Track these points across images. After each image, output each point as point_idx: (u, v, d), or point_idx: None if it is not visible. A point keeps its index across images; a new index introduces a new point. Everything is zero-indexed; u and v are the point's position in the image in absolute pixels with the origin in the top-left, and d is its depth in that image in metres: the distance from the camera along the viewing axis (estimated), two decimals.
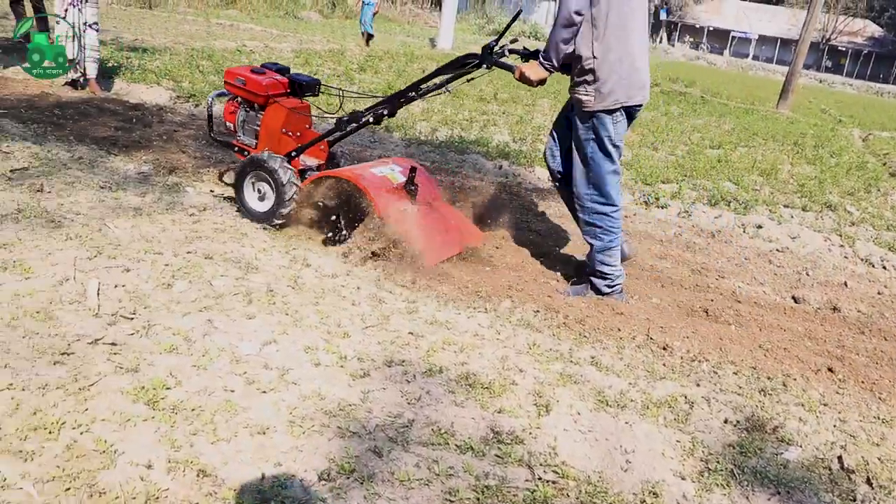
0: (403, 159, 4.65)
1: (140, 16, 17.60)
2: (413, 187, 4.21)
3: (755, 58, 53.91)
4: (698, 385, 3.34)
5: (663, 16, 56.95)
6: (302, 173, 4.47)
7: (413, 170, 4.23)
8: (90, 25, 7.57)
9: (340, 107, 4.57)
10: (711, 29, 57.50)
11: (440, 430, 2.69)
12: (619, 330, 3.77)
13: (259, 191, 4.41)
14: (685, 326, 3.94)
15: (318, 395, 2.76)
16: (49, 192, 4.47)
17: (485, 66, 3.91)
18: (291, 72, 4.70)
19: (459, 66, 4.02)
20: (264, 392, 2.72)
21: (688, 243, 5.70)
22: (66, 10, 7.52)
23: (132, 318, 3.10)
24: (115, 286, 3.35)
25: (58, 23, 7.49)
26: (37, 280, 3.29)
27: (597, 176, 3.83)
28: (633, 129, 10.12)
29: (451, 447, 2.61)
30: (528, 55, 3.97)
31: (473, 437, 2.68)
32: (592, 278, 4.08)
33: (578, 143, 3.84)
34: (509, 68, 3.88)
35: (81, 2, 7.49)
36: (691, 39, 56.59)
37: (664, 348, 3.65)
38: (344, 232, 4.22)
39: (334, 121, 4.39)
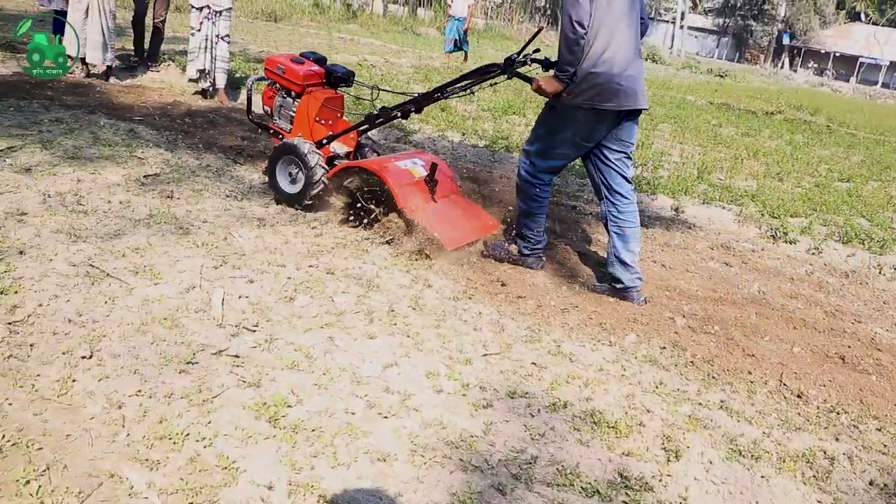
0: (426, 154, 4.82)
1: (266, 28, 18.18)
2: (433, 182, 4.38)
3: (885, 85, 51.23)
4: (838, 439, 3.08)
5: (786, 40, 54.98)
6: (331, 160, 4.71)
7: (434, 165, 4.41)
8: (222, 37, 7.84)
9: (373, 102, 4.88)
10: (838, 55, 55.10)
11: (565, 469, 2.55)
12: (750, 373, 3.54)
13: (290, 174, 4.65)
14: (821, 373, 3.66)
15: (440, 423, 2.67)
16: (178, 198, 4.59)
17: (506, 75, 4.04)
18: (328, 63, 4.98)
19: (482, 75, 4.18)
20: (385, 417, 2.65)
21: (820, 282, 5.35)
22: (201, 23, 7.80)
23: (255, 331, 3.11)
24: (239, 297, 3.37)
25: (192, 35, 7.77)
26: (165, 286, 3.35)
27: (541, 151, 4.02)
28: (756, 157, 9.72)
29: (576, 489, 2.47)
30: (548, 65, 4.04)
31: (600, 480, 2.53)
32: (517, 239, 4.27)
33: (542, 117, 4.04)
34: (528, 80, 3.99)
35: (216, 14, 7.76)
36: (815, 65, 54.36)
37: (798, 396, 3.39)
38: (365, 219, 4.45)
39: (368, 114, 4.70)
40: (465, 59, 17.09)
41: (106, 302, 3.11)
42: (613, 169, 4.03)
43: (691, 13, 50.74)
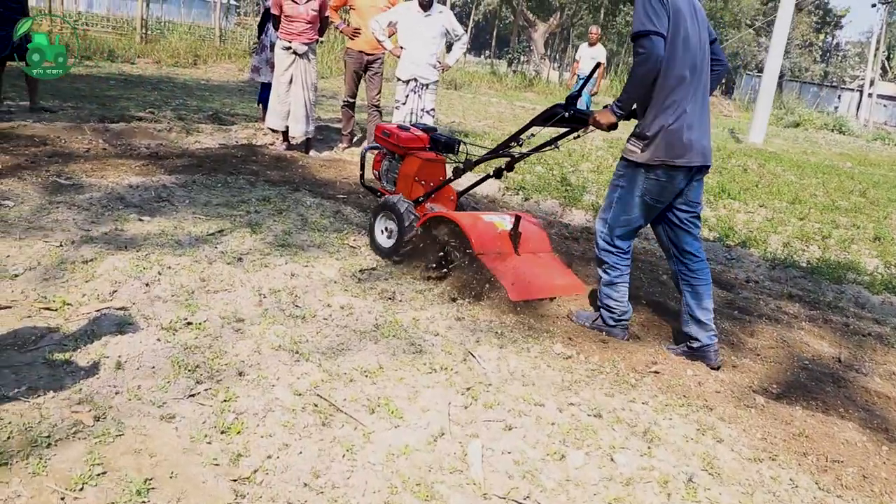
0: (520, 212, 4.68)
1: (449, 97, 18.10)
2: (517, 233, 4.37)
3: None
4: None
5: None
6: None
7: (518, 218, 4.42)
8: (428, 111, 7.44)
9: (465, 155, 4.76)
10: None
11: None
12: None
13: (386, 229, 4.78)
14: None
15: None
16: (400, 300, 4.01)
17: (566, 113, 3.96)
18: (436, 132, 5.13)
19: (549, 117, 4.05)
20: None
21: None
22: (406, 96, 7.44)
23: None
24: (501, 452, 2.65)
25: (397, 108, 7.42)
26: (409, 431, 2.69)
27: (614, 220, 3.90)
28: None
29: None
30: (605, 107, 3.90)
31: None
32: (601, 310, 4.06)
33: (613, 183, 3.92)
34: (586, 115, 3.96)
35: (423, 88, 7.39)
36: None
37: None
38: (446, 267, 4.41)
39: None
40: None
41: (344, 455, 2.47)
42: (683, 229, 3.89)
43: (881, 80, 47.31)
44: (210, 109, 10.18)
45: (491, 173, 4.59)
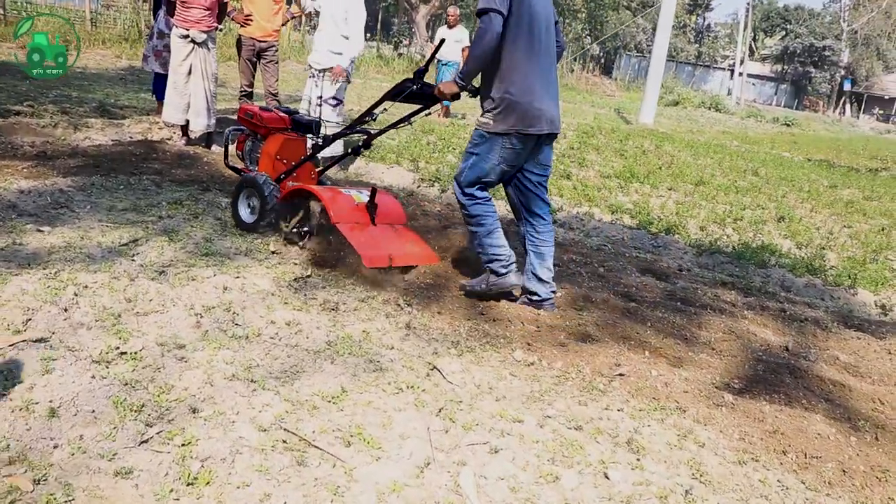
0: (376, 186, 4.95)
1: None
2: (374, 205, 4.55)
3: None
4: None
5: (847, 87, 53.60)
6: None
7: (374, 191, 4.60)
8: (326, 100, 7.02)
9: (318, 135, 5.22)
10: None
11: None
12: None
13: (249, 205, 4.93)
14: None
15: None
16: (344, 310, 3.75)
17: (414, 86, 4.22)
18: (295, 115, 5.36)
19: (399, 92, 4.29)
20: None
21: None
22: (308, 86, 7.09)
23: None
24: (494, 479, 2.47)
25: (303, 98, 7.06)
26: (392, 463, 2.47)
27: (469, 180, 4.04)
28: None
29: None
30: (474, 92, 4.19)
31: None
32: (488, 265, 4.09)
33: (468, 151, 4.07)
34: (431, 87, 4.24)
35: (319, 75, 7.06)
36: (880, 111, 52.79)
37: None
38: (305, 236, 4.66)
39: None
40: (446, 113, 13.49)
41: (332, 500, 2.23)
42: (533, 192, 4.14)
43: (749, 60, 49.67)
44: (94, 101, 9.46)
45: (349, 151, 4.95)
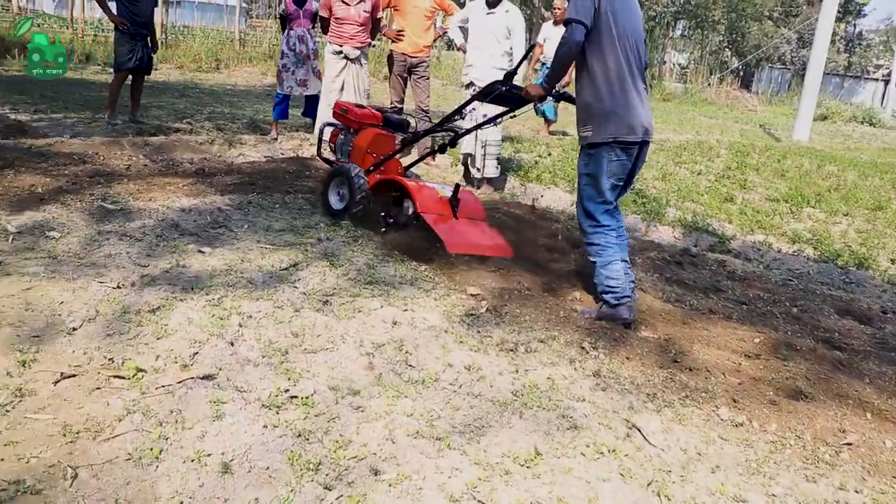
0: (456, 183, 5.04)
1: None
2: (456, 200, 4.71)
3: None
4: None
5: None
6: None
7: (458, 186, 4.81)
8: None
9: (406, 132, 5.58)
10: None
11: None
12: None
13: (339, 193, 5.19)
14: None
15: None
16: (526, 350, 3.39)
17: (503, 87, 4.35)
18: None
19: (488, 93, 4.45)
20: None
21: None
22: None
23: None
24: None
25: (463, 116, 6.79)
26: None
27: (590, 204, 4.10)
28: None
29: None
30: (559, 97, 4.68)
31: None
32: (603, 295, 4.07)
33: (580, 173, 4.16)
34: (520, 89, 4.36)
35: None
36: None
37: None
38: (393, 222, 4.88)
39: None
40: (547, 125, 11.94)
41: None
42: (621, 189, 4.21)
43: None
44: (245, 117, 9.60)
45: (436, 148, 5.12)
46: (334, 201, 5.21)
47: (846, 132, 26.94)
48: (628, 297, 4.01)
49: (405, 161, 5.67)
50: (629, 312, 4.00)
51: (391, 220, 4.86)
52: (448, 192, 4.78)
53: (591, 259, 4.12)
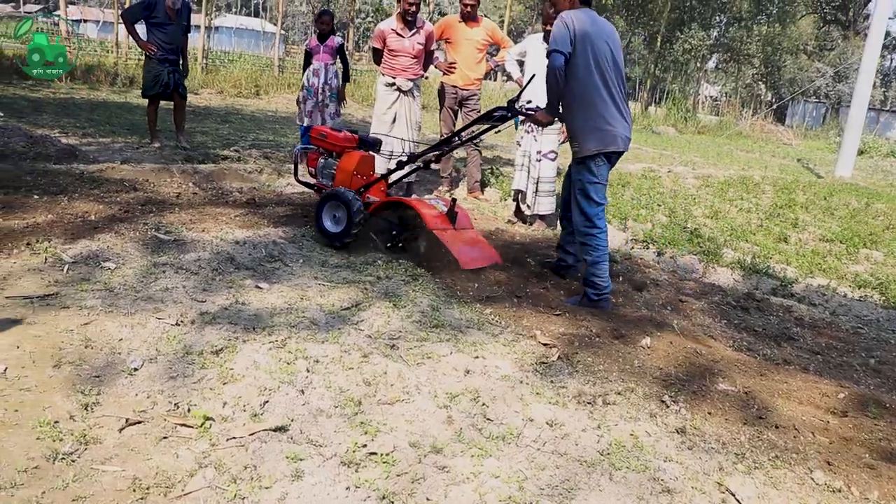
0: (442, 197, 5.66)
1: None
2: (453, 213, 5.07)
3: None
4: None
5: None
6: (365, 206, 5.24)
7: (453, 201, 5.15)
8: (545, 154, 6.63)
9: (378, 152, 5.81)
10: None
11: None
12: None
13: (334, 216, 5.23)
14: None
15: None
16: (602, 405, 3.23)
17: (510, 114, 4.81)
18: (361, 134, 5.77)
19: (489, 116, 4.87)
20: None
21: None
22: (521, 137, 6.70)
23: None
24: None
25: (517, 150, 6.67)
26: None
27: (588, 209, 4.63)
28: None
29: None
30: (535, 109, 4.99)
31: None
32: (585, 288, 4.62)
33: (574, 186, 4.70)
34: (528, 114, 4.89)
35: (538, 128, 6.57)
36: None
37: None
38: (399, 242, 5.20)
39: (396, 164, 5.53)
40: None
41: None
42: None
43: None
44: (289, 145, 9.56)
45: (422, 164, 5.45)
46: (329, 224, 5.24)
47: (885, 168, 26.52)
48: (607, 292, 4.62)
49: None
50: (607, 305, 4.61)
51: (396, 239, 5.19)
52: (443, 207, 5.13)
53: (584, 257, 4.66)
